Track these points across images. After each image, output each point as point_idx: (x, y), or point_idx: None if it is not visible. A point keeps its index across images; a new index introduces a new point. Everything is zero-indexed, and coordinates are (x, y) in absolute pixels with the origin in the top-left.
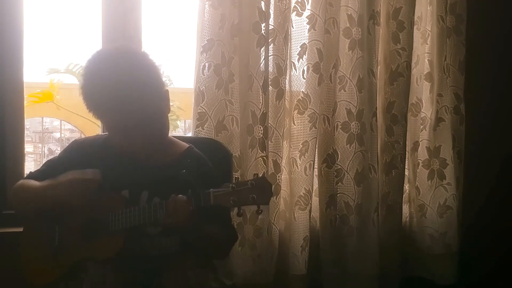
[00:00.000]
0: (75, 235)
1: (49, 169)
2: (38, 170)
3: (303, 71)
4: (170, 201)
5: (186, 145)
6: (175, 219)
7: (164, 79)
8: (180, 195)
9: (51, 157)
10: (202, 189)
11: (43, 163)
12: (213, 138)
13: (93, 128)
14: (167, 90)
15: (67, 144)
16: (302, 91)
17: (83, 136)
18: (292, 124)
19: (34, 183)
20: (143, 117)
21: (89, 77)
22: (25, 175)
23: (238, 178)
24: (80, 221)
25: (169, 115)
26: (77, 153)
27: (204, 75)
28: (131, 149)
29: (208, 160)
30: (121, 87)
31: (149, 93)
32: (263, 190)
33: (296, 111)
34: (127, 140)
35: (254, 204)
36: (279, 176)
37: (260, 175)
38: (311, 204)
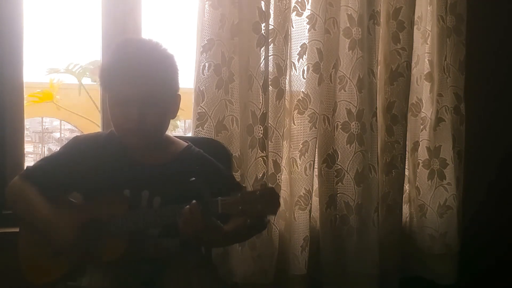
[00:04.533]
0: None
1: (48, 166)
2: (36, 166)
3: (303, 71)
4: (184, 211)
5: (185, 143)
6: (191, 228)
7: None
8: (194, 203)
9: None
10: (210, 196)
11: (41, 159)
12: (213, 138)
13: (93, 128)
14: (179, 95)
15: None
16: (302, 91)
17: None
18: (292, 124)
19: (35, 199)
20: (147, 95)
21: (114, 54)
22: None
23: (246, 187)
24: (81, 222)
25: None
26: (78, 150)
27: (204, 75)
28: (127, 128)
29: (207, 156)
30: (139, 65)
31: (161, 82)
32: (271, 200)
33: (296, 111)
34: (123, 117)
35: (262, 214)
36: (279, 176)
37: (268, 185)
38: (311, 204)
